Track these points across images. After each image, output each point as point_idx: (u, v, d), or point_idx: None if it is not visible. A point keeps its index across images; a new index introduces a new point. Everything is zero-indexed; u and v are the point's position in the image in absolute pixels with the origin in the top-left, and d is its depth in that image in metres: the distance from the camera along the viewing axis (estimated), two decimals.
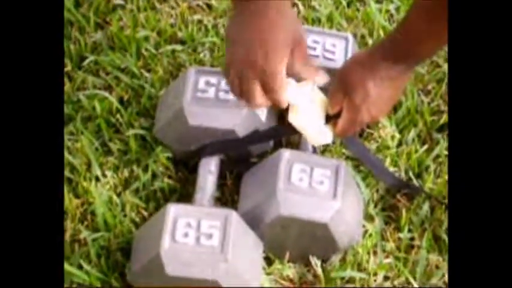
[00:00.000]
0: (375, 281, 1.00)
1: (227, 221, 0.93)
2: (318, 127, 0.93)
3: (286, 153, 0.99)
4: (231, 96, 1.01)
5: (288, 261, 1.01)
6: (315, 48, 1.09)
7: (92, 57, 1.18)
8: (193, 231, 0.92)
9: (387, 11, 1.24)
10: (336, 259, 1.01)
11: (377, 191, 1.07)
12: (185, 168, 1.09)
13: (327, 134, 0.93)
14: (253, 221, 0.97)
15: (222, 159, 1.05)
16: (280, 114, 1.07)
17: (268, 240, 0.98)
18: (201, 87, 1.04)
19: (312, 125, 0.92)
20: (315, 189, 0.97)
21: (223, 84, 1.03)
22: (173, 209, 0.94)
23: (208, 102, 1.03)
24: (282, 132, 1.05)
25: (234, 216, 0.94)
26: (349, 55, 1.09)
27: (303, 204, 0.96)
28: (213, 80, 1.04)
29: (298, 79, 0.91)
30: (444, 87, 1.16)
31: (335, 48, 1.10)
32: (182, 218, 0.93)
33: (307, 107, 0.92)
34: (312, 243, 0.99)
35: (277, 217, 0.96)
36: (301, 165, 0.99)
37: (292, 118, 0.92)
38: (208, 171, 1.04)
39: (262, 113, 1.04)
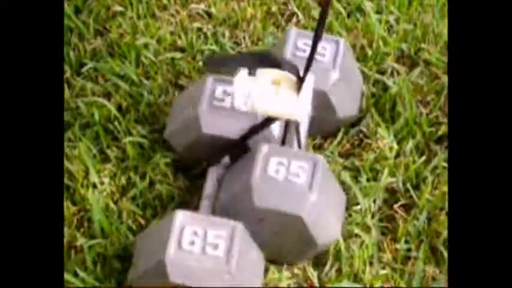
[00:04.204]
0: None
1: (234, 232, 0.93)
2: (286, 104, 0.93)
3: (264, 147, 0.99)
4: (246, 107, 1.01)
5: (268, 261, 1.00)
6: (304, 50, 1.09)
7: (91, 64, 1.18)
8: (200, 240, 0.92)
9: (387, 21, 1.24)
10: (312, 254, 1.00)
11: (374, 201, 1.07)
12: (183, 176, 1.09)
13: (298, 104, 0.93)
14: (231, 215, 0.97)
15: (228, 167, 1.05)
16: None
17: None
18: (218, 95, 1.04)
19: (279, 105, 0.93)
20: (291, 182, 0.97)
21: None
22: (181, 216, 0.94)
23: (223, 112, 1.03)
24: (263, 124, 1.02)
25: (239, 228, 0.94)
26: (340, 58, 1.09)
27: (278, 196, 0.96)
28: (230, 89, 1.04)
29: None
30: (443, 98, 1.16)
31: (325, 51, 1.09)
32: (189, 226, 0.93)
33: (264, 91, 0.93)
34: (288, 238, 0.98)
35: (253, 209, 0.96)
36: (279, 158, 0.98)
37: (259, 108, 0.93)
38: (217, 180, 1.03)
39: (275, 127, 1.04)
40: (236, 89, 0.95)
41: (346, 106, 1.11)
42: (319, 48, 1.08)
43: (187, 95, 1.09)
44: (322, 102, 1.08)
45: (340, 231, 1.01)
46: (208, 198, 1.02)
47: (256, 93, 0.94)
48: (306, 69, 0.93)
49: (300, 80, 0.94)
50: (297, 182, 0.97)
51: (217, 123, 1.03)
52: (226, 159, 1.05)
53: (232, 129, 1.03)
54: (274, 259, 1.01)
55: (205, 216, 0.96)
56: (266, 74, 0.94)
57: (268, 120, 1.00)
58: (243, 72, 0.94)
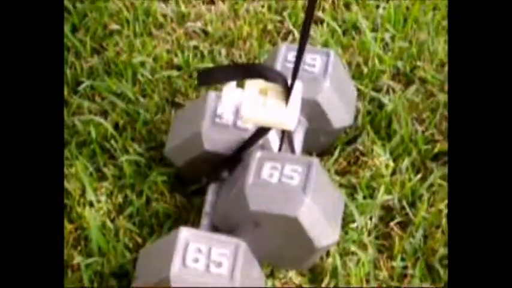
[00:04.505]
0: None
1: (237, 251, 0.93)
2: (277, 112, 0.93)
3: (258, 153, 0.99)
4: (249, 125, 1.01)
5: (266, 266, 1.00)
6: (293, 62, 1.09)
7: (88, 82, 1.18)
8: (204, 258, 0.92)
9: (382, 39, 1.25)
10: (312, 259, 1.00)
11: (370, 219, 1.07)
12: (180, 194, 1.09)
13: (286, 113, 0.94)
14: (228, 223, 0.97)
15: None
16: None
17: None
18: (220, 112, 1.04)
19: (270, 114, 0.94)
20: (285, 184, 0.97)
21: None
22: (185, 233, 0.94)
23: (226, 129, 1.03)
24: (257, 135, 1.02)
25: (243, 246, 0.94)
26: (330, 69, 1.09)
27: (272, 198, 0.96)
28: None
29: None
30: (438, 116, 1.16)
31: (315, 61, 1.10)
32: (193, 243, 0.93)
33: (252, 102, 0.93)
34: (286, 242, 0.98)
35: (248, 213, 0.96)
36: (272, 162, 0.98)
37: (248, 119, 0.94)
38: (218, 196, 1.03)
39: (275, 142, 1.04)
40: (224, 101, 0.95)
41: (340, 115, 1.11)
42: (309, 60, 1.09)
43: (187, 112, 1.09)
44: (315, 112, 1.08)
45: (338, 233, 1.01)
46: (209, 215, 1.02)
47: (245, 104, 0.94)
48: (293, 78, 0.94)
49: (287, 89, 0.94)
50: (290, 183, 0.96)
51: (219, 140, 1.03)
52: (225, 175, 1.05)
53: (233, 146, 1.03)
54: (274, 265, 1.02)
55: (209, 233, 0.96)
56: (253, 85, 0.94)
57: (261, 131, 1.00)
58: (231, 84, 0.94)
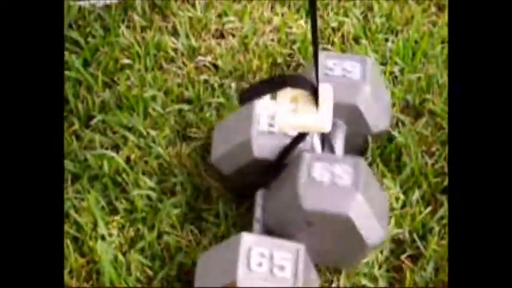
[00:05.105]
0: None
1: (298, 254, 0.96)
2: (309, 116, 0.96)
3: (306, 155, 1.02)
4: (294, 132, 1.04)
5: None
6: (333, 69, 1.12)
7: (99, 117, 1.19)
8: (267, 261, 0.95)
9: (391, 72, 1.25)
10: (361, 257, 1.03)
11: (381, 252, 1.07)
12: (192, 225, 1.09)
13: (318, 116, 0.96)
14: (280, 223, 1.00)
15: None
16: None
17: None
18: (266, 121, 1.07)
19: (306, 120, 0.96)
20: (336, 183, 0.99)
21: None
22: (246, 238, 0.96)
23: (273, 136, 1.06)
24: (296, 141, 1.05)
25: (302, 249, 0.96)
26: (369, 75, 1.11)
27: (325, 198, 0.98)
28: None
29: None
30: (447, 149, 1.17)
31: (354, 68, 1.12)
32: (256, 248, 0.95)
33: (285, 110, 0.96)
34: (338, 241, 1.01)
35: (301, 213, 0.98)
36: (322, 163, 1.01)
37: (284, 127, 0.98)
38: (265, 201, 1.06)
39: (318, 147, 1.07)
40: (259, 111, 0.99)
41: (378, 120, 1.13)
42: (349, 67, 1.12)
43: (231, 122, 1.11)
44: (354, 116, 1.11)
45: (387, 231, 1.03)
46: (259, 221, 1.04)
47: (278, 114, 0.96)
48: (316, 81, 0.96)
49: (315, 93, 0.96)
50: (342, 183, 0.99)
51: (267, 147, 1.05)
52: (272, 181, 1.07)
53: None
54: (325, 264, 1.04)
55: (269, 238, 0.99)
56: (284, 95, 0.97)
57: (298, 137, 1.03)
58: (264, 99, 0.98)
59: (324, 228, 1.00)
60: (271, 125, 1.06)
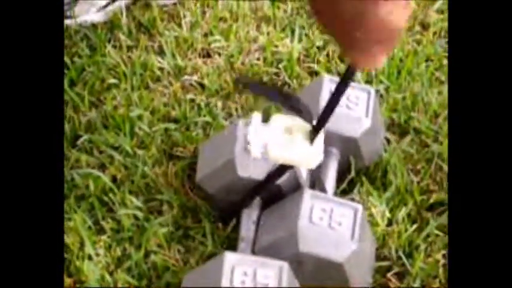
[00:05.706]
0: None
1: (281, 272, 0.96)
2: (302, 152, 0.95)
3: (307, 194, 1.03)
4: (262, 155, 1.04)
5: None
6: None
7: (86, 136, 1.19)
8: (249, 280, 0.95)
9: (377, 91, 1.26)
10: None
11: None
12: (179, 244, 1.09)
13: (310, 153, 0.95)
14: (268, 254, 1.00)
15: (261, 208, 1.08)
16: None
17: None
18: (248, 144, 1.06)
19: (295, 153, 0.95)
20: (334, 229, 1.01)
21: None
22: (229, 258, 0.97)
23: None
24: (280, 171, 1.04)
25: (286, 267, 0.97)
26: (371, 108, 1.13)
27: (321, 242, 1.00)
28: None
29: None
30: (433, 166, 1.17)
31: (358, 100, 1.13)
32: (239, 267, 0.96)
33: (277, 139, 0.96)
34: (324, 280, 1.02)
35: (296, 253, 0.99)
36: (321, 204, 1.02)
37: (273, 156, 0.96)
38: (252, 221, 1.06)
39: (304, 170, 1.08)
40: (251, 137, 0.98)
41: (373, 153, 1.15)
42: (352, 97, 1.13)
43: (216, 142, 1.12)
44: (351, 149, 1.12)
45: (371, 278, 1.05)
46: (245, 240, 1.05)
47: (271, 144, 0.96)
48: (324, 120, 0.95)
49: (315, 130, 0.95)
50: (339, 229, 1.00)
51: (251, 166, 1.06)
52: (257, 201, 1.08)
53: (265, 172, 1.05)
54: None
55: (252, 256, 1.00)
56: (279, 122, 0.96)
57: (284, 168, 1.02)
58: (256, 119, 0.97)
59: (314, 269, 1.01)
60: (252, 153, 1.03)
